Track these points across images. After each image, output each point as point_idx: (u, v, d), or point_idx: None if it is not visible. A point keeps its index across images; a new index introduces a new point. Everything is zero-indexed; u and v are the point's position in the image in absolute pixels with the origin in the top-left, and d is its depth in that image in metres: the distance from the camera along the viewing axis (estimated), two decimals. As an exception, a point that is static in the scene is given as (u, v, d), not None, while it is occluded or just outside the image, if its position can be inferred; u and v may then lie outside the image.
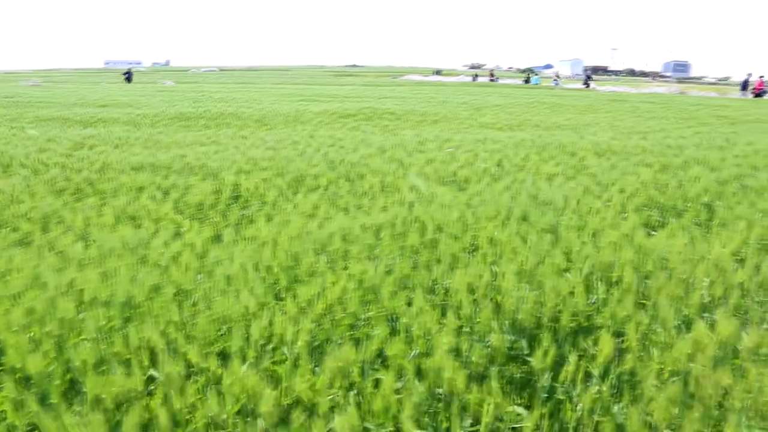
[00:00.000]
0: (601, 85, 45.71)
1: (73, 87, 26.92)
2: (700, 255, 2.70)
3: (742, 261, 2.84)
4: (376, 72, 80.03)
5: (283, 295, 2.05)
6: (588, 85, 41.03)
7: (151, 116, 10.85)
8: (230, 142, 7.48)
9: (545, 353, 1.73)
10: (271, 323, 1.71)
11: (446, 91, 25.82)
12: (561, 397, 1.70)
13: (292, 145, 6.83)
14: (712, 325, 1.87)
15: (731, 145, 7.01)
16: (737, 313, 2.38)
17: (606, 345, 1.66)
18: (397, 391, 1.42)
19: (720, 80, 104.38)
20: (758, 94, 29.69)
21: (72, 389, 1.60)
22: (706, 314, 2.18)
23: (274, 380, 1.50)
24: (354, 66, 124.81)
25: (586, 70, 55.58)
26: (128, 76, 36.90)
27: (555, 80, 47.31)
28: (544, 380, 1.73)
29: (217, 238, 3.16)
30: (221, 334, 1.74)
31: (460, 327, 1.79)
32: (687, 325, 2.05)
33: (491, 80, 48.19)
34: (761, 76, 30.84)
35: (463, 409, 1.50)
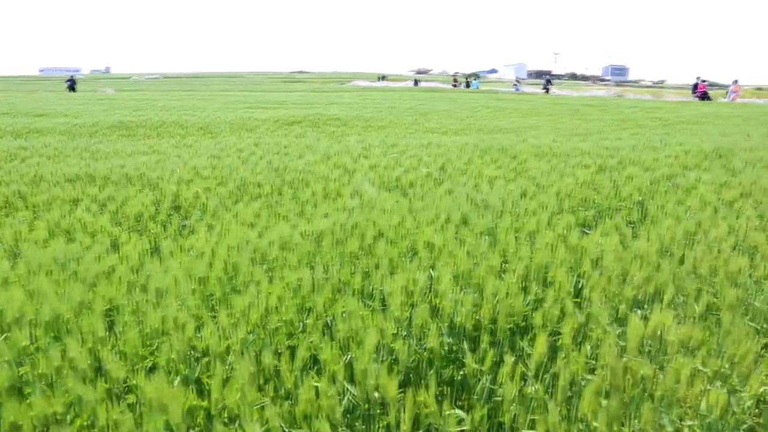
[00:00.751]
0: (538, 89, 46.92)
1: (4, 95, 25.84)
2: (631, 252, 2.80)
3: (671, 256, 2.96)
4: (323, 78, 79.93)
5: (218, 307, 2.01)
6: (548, 90, 41.54)
7: (89, 126, 10.52)
8: (172, 151, 7.33)
9: (483, 355, 1.76)
10: (202, 336, 1.68)
11: (393, 97, 26.00)
12: (499, 398, 1.73)
13: (237, 153, 6.74)
14: (641, 319, 1.94)
15: (664, 146, 7.29)
16: (665, 306, 2.48)
17: (540, 345, 1.70)
18: (329, 397, 1.41)
19: (656, 83, 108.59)
20: (702, 97, 31.24)
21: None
22: (636, 309, 2.26)
23: (204, 393, 1.48)
24: (301, 72, 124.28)
25: (544, 76, 56.36)
26: (71, 85, 35.03)
27: (515, 85, 47.37)
28: (483, 382, 1.76)
29: (155, 250, 3.09)
30: (151, 350, 1.70)
31: (398, 331, 1.80)
32: (617, 320, 2.12)
33: (454, 86, 47.94)
34: (703, 81, 32.61)
35: (399, 412, 1.51)
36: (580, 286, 2.28)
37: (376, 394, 1.52)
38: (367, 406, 1.52)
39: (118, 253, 2.94)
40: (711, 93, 32.65)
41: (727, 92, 32.34)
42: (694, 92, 32.89)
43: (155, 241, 3.42)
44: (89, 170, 5.36)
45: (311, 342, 1.71)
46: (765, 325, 2.90)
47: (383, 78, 63.82)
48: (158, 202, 4.18)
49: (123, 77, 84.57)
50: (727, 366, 1.86)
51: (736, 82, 31.73)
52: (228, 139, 9.00)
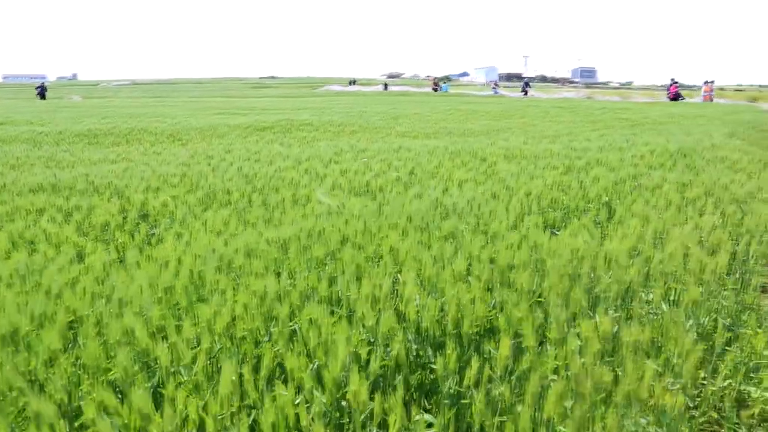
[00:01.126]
0: (513, 92, 47.33)
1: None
2: (598, 252, 2.84)
3: (638, 255, 3.02)
4: (295, 83, 79.71)
5: (184, 316, 1.99)
6: (526, 93, 41.56)
7: (54, 134, 10.33)
8: (141, 158, 7.24)
9: (448, 359, 1.77)
10: (168, 345, 1.66)
11: (364, 101, 26.03)
12: (466, 401, 1.74)
13: (206, 159, 6.69)
14: (601, 320, 1.97)
15: (630, 146, 7.43)
16: (629, 306, 2.53)
17: (504, 347, 1.72)
18: (297, 405, 1.41)
19: (623, 85, 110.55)
20: (674, 98, 32.00)
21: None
22: (598, 308, 2.30)
23: (169, 404, 1.46)
24: (273, 77, 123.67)
25: (523, 79, 56.18)
26: (41, 92, 34.21)
27: (494, 88, 47.12)
28: (449, 385, 1.77)
29: (121, 260, 3.05)
30: (112, 363, 1.68)
31: (364, 338, 1.81)
32: (579, 320, 2.16)
33: (435, 90, 47.48)
34: (675, 82, 33.47)
35: (369, 418, 1.51)
36: (544, 287, 2.31)
37: (344, 403, 1.52)
38: (337, 413, 1.52)
39: (83, 263, 2.89)
40: (684, 93, 33.47)
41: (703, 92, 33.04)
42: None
43: (122, 251, 3.37)
44: (54, 180, 5.26)
45: (277, 351, 1.70)
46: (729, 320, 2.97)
47: (354, 82, 63.51)
48: (125, 211, 4.13)
49: (91, 84, 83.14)
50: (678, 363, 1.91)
51: (706, 82, 32.46)
52: (198, 145, 8.91)
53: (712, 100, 30.07)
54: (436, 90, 47.26)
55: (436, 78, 60.76)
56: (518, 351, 1.98)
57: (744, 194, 4.79)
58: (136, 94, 42.95)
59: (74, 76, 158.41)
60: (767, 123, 15.92)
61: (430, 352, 1.91)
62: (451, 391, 1.81)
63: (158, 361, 1.67)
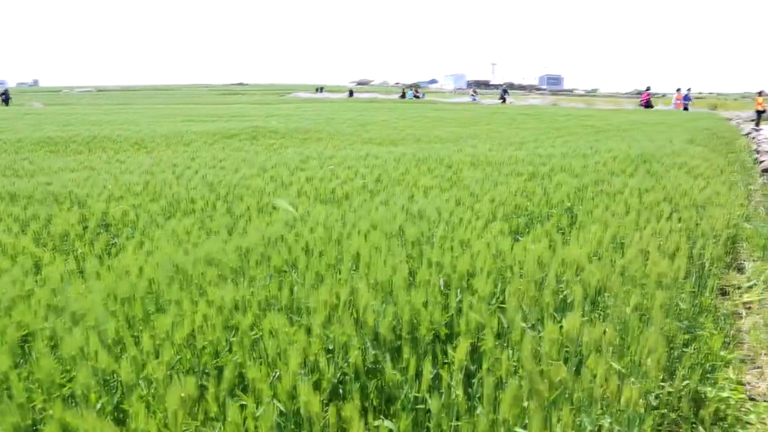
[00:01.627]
0: (483, 98, 47.77)
1: None
2: (560, 257, 2.88)
3: (599, 260, 3.07)
4: (263, 90, 79.22)
5: (142, 328, 1.96)
6: (504, 100, 41.60)
7: (13, 141, 10.07)
8: (103, 167, 7.10)
9: (406, 365, 1.78)
10: (124, 359, 1.63)
11: (333, 108, 26.03)
12: (422, 406, 1.75)
13: (171, 167, 6.59)
14: (561, 324, 2.00)
15: (594, 153, 7.56)
16: (589, 311, 2.57)
17: (461, 351, 1.73)
18: (256, 418, 1.40)
19: (588, 92, 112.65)
20: (646, 105, 32.68)
21: None
22: (559, 313, 2.33)
23: (124, 421, 1.43)
24: (241, 84, 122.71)
25: (502, 86, 55.95)
26: (5, 98, 33.35)
27: (473, 96, 46.75)
28: (407, 391, 1.78)
29: (79, 271, 2.98)
30: (67, 378, 1.64)
31: (323, 345, 1.80)
32: (541, 324, 2.18)
33: (416, 97, 47.05)
34: (647, 90, 34.28)
35: (325, 427, 1.51)
36: (505, 292, 2.34)
37: (303, 411, 1.51)
38: (292, 424, 1.51)
39: (40, 274, 2.82)
40: (653, 101, 34.25)
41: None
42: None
43: (82, 261, 3.30)
44: (12, 188, 5.12)
45: (238, 361, 1.68)
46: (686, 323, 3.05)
47: (321, 89, 63.03)
48: (86, 221, 4.04)
49: (53, 90, 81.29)
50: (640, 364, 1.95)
51: (679, 90, 33.08)
52: (163, 153, 8.79)
53: (686, 109, 30.40)
54: (417, 97, 46.87)
55: (398, 84, 60.61)
56: (478, 355, 1.99)
57: (702, 199, 4.91)
58: (100, 100, 42.17)
59: (35, 82, 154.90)
60: (726, 130, 16.42)
61: (389, 357, 1.91)
62: (410, 396, 1.81)
63: (117, 376, 1.64)
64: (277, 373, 1.62)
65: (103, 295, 2.14)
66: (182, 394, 1.42)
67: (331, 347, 1.79)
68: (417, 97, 47.14)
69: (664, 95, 52.22)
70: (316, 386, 1.59)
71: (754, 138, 17.23)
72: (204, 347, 1.79)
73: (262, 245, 2.70)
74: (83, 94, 62.55)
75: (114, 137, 10.97)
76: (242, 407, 1.47)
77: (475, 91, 51.89)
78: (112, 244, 3.65)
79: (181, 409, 1.38)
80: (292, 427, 1.51)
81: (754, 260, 4.81)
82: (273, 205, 3.95)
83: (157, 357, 1.70)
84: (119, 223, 4.00)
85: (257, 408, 1.46)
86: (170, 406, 1.34)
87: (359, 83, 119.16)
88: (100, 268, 2.78)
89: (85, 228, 3.88)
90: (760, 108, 22.99)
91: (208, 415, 1.58)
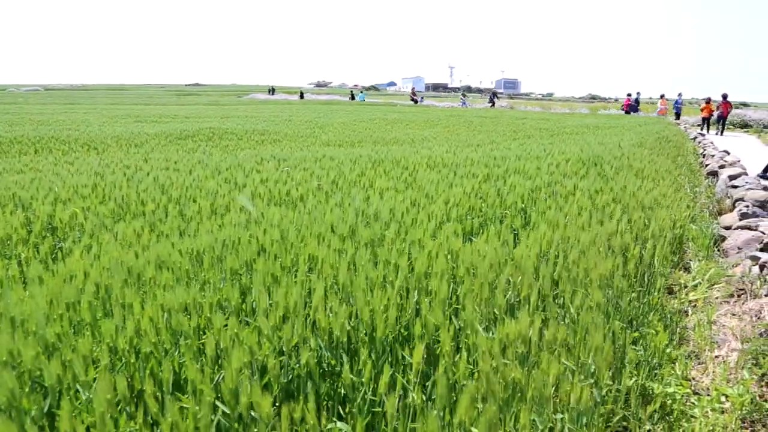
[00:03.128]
0: (440, 101, 48.12)
1: None
2: (511, 258, 2.92)
3: (547, 261, 3.12)
4: (220, 90, 78.16)
5: (86, 332, 1.90)
6: (493, 104, 41.29)
7: (-46, 142, 9.67)
8: (51, 168, 6.88)
9: (362, 367, 1.77)
10: (64, 366, 1.57)
11: (292, 109, 25.85)
12: (378, 409, 1.74)
13: (122, 169, 6.43)
14: (514, 323, 2.02)
15: (547, 155, 7.70)
16: (541, 310, 2.61)
17: (418, 354, 1.73)
18: (199, 419, 1.37)
19: (545, 96, 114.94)
20: (628, 111, 33.23)
21: None
22: (509, 313, 2.36)
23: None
24: (197, 85, 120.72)
25: (490, 91, 55.44)
26: None
27: (462, 100, 45.60)
28: (363, 393, 1.77)
29: (21, 276, 2.87)
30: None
31: (275, 348, 1.78)
32: (494, 324, 2.21)
33: (414, 101, 45.45)
34: (629, 95, 34.85)
35: (273, 429, 1.49)
36: (459, 293, 2.35)
37: (244, 413, 1.48)
38: (238, 425, 1.48)
39: (-21, 280, 2.71)
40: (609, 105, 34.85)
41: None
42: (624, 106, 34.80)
43: (25, 266, 3.18)
44: (-49, 191, 4.91)
45: (183, 363, 1.64)
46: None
47: (273, 91, 61.57)
48: (30, 224, 3.90)
49: (-2, 89, 78.37)
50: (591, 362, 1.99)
51: (663, 96, 33.64)
52: (114, 155, 8.57)
53: (678, 116, 30.65)
54: (415, 101, 45.26)
55: (355, 87, 60.21)
56: (433, 357, 2.00)
57: (650, 201, 5.06)
58: (48, 100, 40.85)
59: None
60: (674, 134, 16.94)
61: (344, 359, 1.90)
62: (366, 398, 1.80)
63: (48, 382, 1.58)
64: (222, 374, 1.59)
65: (47, 299, 2.07)
66: (108, 396, 1.38)
67: (280, 349, 1.77)
68: (415, 101, 45.63)
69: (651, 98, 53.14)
70: (264, 388, 1.57)
71: (700, 142, 17.92)
72: (150, 351, 1.75)
73: (214, 248, 2.65)
74: (30, 93, 60.48)
75: (63, 138, 10.65)
76: (182, 409, 1.43)
77: (464, 95, 50.88)
78: (59, 247, 3.53)
79: (110, 411, 1.34)
80: (237, 426, 1.48)
81: (699, 260, 4.98)
82: (241, 204, 3.91)
83: (96, 363, 1.65)
84: (66, 226, 3.87)
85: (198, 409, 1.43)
86: (98, 408, 1.30)
87: (318, 85, 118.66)
88: (44, 273, 2.68)
89: (29, 232, 3.75)
90: (706, 114, 23.84)
91: (147, 419, 1.54)
